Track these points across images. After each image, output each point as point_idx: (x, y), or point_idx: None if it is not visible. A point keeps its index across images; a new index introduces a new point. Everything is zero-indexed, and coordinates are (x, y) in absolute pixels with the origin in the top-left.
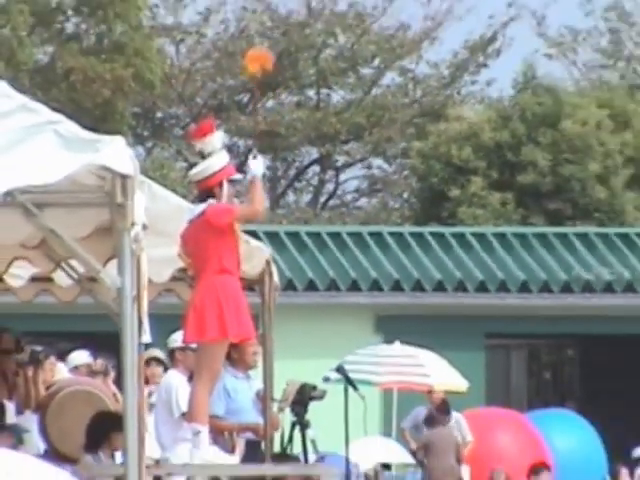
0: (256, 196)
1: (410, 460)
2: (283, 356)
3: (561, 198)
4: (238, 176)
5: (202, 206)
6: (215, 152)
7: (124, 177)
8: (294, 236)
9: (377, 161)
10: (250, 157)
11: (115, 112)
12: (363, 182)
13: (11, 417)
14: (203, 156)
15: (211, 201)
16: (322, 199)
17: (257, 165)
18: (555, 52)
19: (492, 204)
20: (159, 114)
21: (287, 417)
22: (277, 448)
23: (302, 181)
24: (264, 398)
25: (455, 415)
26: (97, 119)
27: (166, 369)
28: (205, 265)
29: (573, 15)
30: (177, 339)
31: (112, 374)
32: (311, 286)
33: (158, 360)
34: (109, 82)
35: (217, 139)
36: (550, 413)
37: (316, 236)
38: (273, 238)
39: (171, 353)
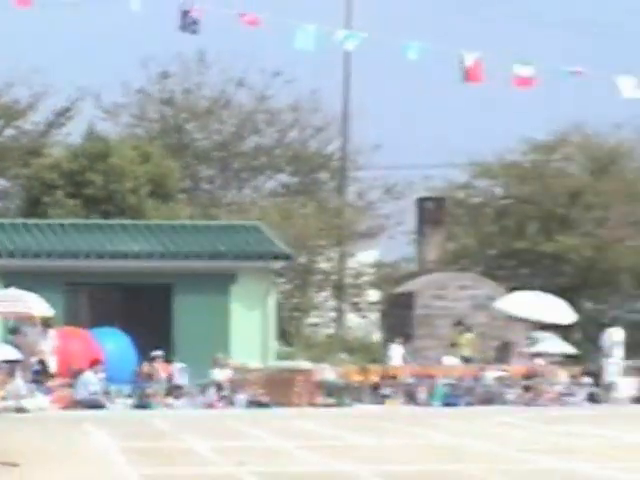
0: None
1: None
2: None
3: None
4: None
5: None
6: None
7: None
8: None
9: None
10: None
11: None
12: None
13: None
14: None
15: None
16: None
17: None
18: (107, 116)
19: (68, 206)
20: None
21: None
22: None
23: None
24: None
25: (50, 330)
26: None
27: None
28: None
29: (116, 94)
30: None
31: None
32: None
33: None
34: None
35: None
36: (104, 330)
37: None
38: None
39: None
